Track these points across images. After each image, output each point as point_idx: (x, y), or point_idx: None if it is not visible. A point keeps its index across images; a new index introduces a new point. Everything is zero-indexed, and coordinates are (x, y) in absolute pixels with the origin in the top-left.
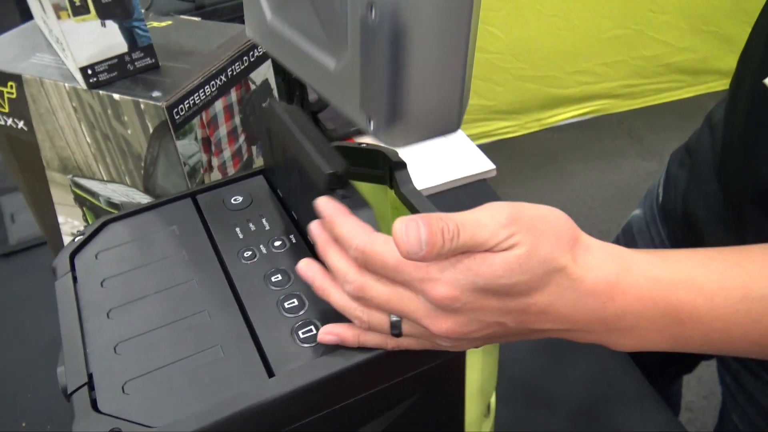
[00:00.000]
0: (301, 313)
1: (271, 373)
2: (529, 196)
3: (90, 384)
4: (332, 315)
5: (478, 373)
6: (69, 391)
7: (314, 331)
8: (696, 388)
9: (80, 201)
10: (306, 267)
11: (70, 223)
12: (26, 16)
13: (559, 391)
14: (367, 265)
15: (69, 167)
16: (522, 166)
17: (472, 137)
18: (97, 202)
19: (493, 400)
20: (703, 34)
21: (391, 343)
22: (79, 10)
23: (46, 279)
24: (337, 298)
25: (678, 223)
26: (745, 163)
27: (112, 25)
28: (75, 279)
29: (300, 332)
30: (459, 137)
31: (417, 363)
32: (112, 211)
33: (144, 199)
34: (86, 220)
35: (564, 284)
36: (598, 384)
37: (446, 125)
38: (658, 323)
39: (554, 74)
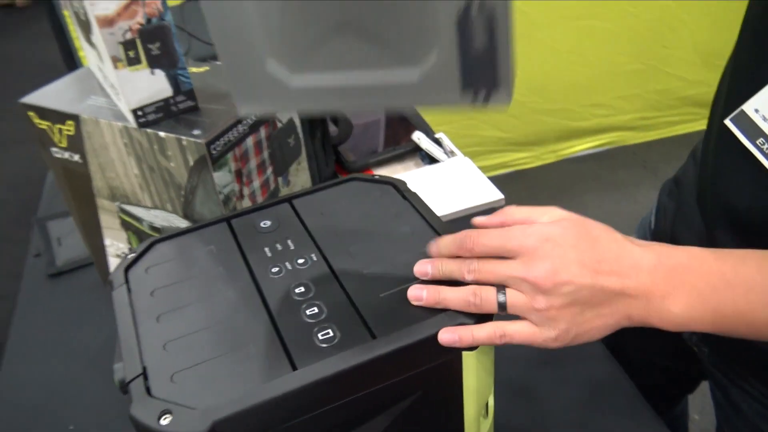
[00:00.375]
0: (320, 318)
1: (294, 367)
2: None
3: (144, 374)
4: (348, 321)
5: (474, 373)
6: (126, 381)
7: (331, 334)
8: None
9: (126, 225)
10: (416, 289)
11: (116, 245)
12: (66, 51)
13: (555, 403)
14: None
15: (117, 195)
16: (538, 197)
17: (489, 168)
18: (141, 227)
19: (491, 402)
20: (716, 68)
21: (498, 333)
22: (133, 61)
23: (90, 297)
24: (452, 295)
25: None
26: (714, 192)
27: (159, 73)
28: (129, 290)
29: (319, 334)
30: (470, 169)
31: (419, 362)
32: (155, 234)
33: (183, 223)
34: (130, 243)
35: (625, 242)
36: (594, 397)
37: (509, 89)
38: (699, 288)
39: (570, 107)
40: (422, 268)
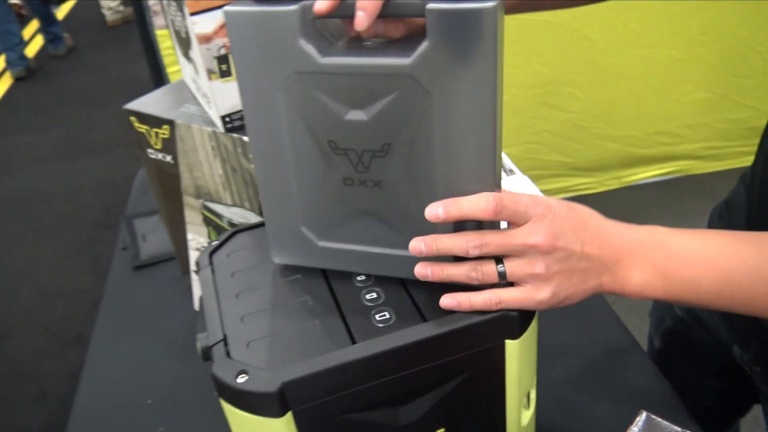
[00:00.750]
0: (378, 303)
1: (353, 342)
2: None
3: (225, 341)
4: (401, 305)
5: (516, 361)
6: (210, 345)
7: (387, 316)
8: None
9: (207, 221)
10: (421, 266)
11: (197, 239)
12: (155, 68)
13: (601, 420)
14: (503, 209)
15: (202, 193)
16: None
17: (551, 192)
18: (220, 223)
19: (533, 394)
20: None
21: (494, 300)
22: (225, 74)
23: (169, 289)
24: (454, 270)
25: None
26: (763, 213)
27: None
28: (213, 271)
29: (377, 316)
30: (528, 187)
31: (464, 346)
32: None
33: (259, 220)
34: (210, 237)
35: (597, 223)
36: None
37: None
38: (653, 258)
39: (635, 134)
40: (416, 245)
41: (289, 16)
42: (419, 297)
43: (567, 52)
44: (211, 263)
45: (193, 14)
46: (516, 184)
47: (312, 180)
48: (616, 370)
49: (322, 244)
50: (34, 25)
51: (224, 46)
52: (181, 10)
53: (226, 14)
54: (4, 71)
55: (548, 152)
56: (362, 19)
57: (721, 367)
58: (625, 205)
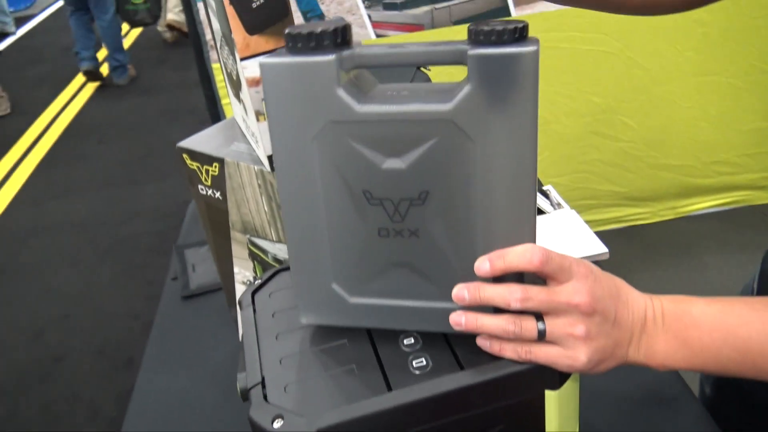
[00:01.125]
0: (416, 348)
1: (390, 388)
2: (660, 285)
3: (263, 383)
4: (439, 351)
5: (556, 414)
6: (248, 387)
7: (424, 363)
8: None
9: (253, 256)
10: (456, 315)
11: (243, 273)
12: (211, 100)
13: None
14: (549, 261)
15: (248, 229)
16: (654, 254)
17: (602, 222)
18: (265, 258)
19: None
20: None
21: (524, 351)
22: None
23: (216, 320)
24: (490, 322)
25: None
26: None
27: None
28: (254, 310)
29: (414, 362)
30: (576, 221)
31: (502, 396)
32: (278, 265)
33: None
34: (255, 272)
35: (627, 291)
36: None
37: None
38: (674, 329)
39: (690, 163)
40: (460, 293)
41: (327, 66)
42: (457, 344)
43: (619, 80)
44: (253, 302)
45: (243, 59)
46: (563, 218)
47: (345, 232)
48: (668, 417)
49: (354, 300)
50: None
51: None
52: (232, 53)
53: (262, 66)
54: (82, 86)
55: (600, 181)
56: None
57: None
58: (680, 236)
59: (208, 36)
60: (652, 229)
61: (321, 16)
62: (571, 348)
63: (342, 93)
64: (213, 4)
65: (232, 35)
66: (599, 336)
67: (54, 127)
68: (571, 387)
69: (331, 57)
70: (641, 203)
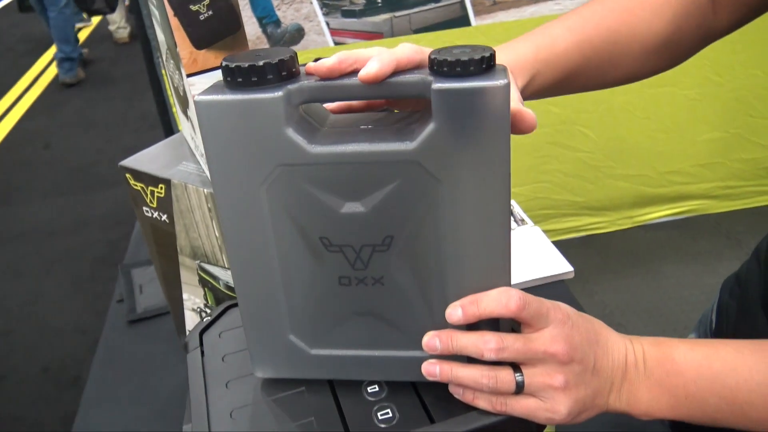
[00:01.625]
0: (380, 397)
1: None
2: (618, 294)
3: None
4: (406, 400)
5: None
6: None
7: (390, 414)
8: None
9: (203, 282)
10: (430, 364)
11: (193, 300)
12: (162, 107)
13: None
14: (526, 306)
15: (198, 254)
16: (612, 263)
17: (561, 231)
18: (217, 285)
19: None
20: None
21: (499, 403)
22: None
23: (166, 345)
24: (466, 374)
25: None
26: None
27: None
28: (202, 353)
29: (379, 414)
30: (540, 239)
31: None
32: (230, 293)
33: None
34: (206, 299)
35: (606, 336)
36: None
37: None
38: (657, 377)
39: (646, 173)
40: (431, 342)
41: (273, 104)
42: (425, 392)
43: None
44: (201, 344)
45: (189, 75)
46: (527, 234)
47: (301, 282)
48: None
49: (314, 352)
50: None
51: None
52: (178, 68)
53: (198, 104)
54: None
55: (559, 191)
56: (370, 67)
57: None
58: (637, 245)
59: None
60: (610, 238)
61: (277, 22)
62: (549, 400)
63: (291, 133)
64: (157, 14)
65: (178, 49)
66: (579, 386)
67: None
68: None
69: (277, 94)
70: (599, 212)
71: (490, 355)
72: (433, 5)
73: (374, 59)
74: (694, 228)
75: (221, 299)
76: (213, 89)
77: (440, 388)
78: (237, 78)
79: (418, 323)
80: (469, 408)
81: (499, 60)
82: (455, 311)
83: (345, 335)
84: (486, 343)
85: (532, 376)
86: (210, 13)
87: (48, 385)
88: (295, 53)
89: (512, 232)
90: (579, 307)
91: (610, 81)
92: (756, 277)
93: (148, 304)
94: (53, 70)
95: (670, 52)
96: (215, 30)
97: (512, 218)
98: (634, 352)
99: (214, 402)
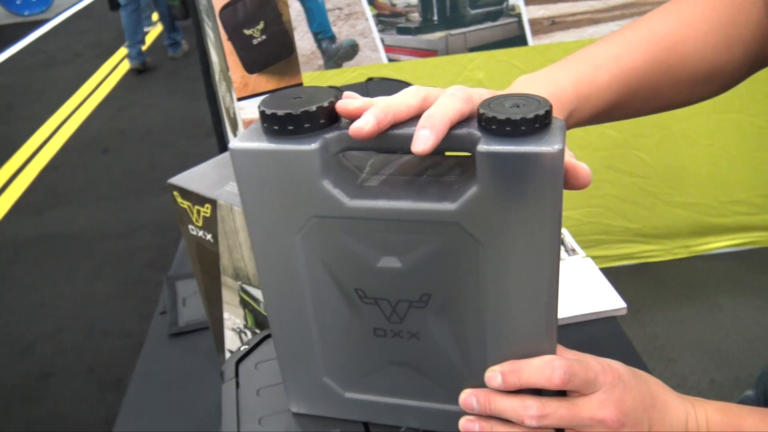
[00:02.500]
0: None
1: None
2: (671, 326)
3: None
4: None
5: None
6: None
7: None
8: None
9: (244, 304)
10: (469, 422)
11: (233, 320)
12: (216, 117)
13: None
14: (572, 378)
15: (240, 275)
16: (665, 294)
17: (613, 258)
18: (257, 307)
19: None
20: None
21: None
22: None
23: (204, 361)
24: None
25: None
26: None
27: None
28: (237, 384)
29: None
30: (591, 270)
31: None
32: None
33: None
34: (246, 320)
35: (665, 399)
36: None
37: None
38: None
39: (707, 202)
40: (468, 400)
41: (309, 155)
42: None
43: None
44: (236, 374)
45: (240, 99)
46: (578, 266)
47: (336, 329)
48: None
49: (349, 395)
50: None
51: None
52: (229, 91)
53: (232, 152)
54: (90, 94)
55: (612, 217)
56: (425, 140)
57: None
58: (693, 275)
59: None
60: (665, 267)
61: (332, 37)
62: None
63: (327, 185)
64: (212, 36)
65: (230, 73)
66: None
67: (59, 134)
68: None
69: (313, 146)
70: (654, 240)
71: (530, 422)
72: (489, 24)
73: (425, 127)
74: (757, 261)
75: (261, 321)
76: (250, 134)
77: None
78: (273, 126)
79: (455, 379)
80: None
81: (537, 91)
82: (495, 377)
83: (380, 382)
84: (526, 409)
85: None
86: (264, 37)
87: (92, 385)
88: (338, 94)
89: (562, 262)
90: (629, 344)
91: (652, 110)
92: None
93: (190, 317)
94: (116, 77)
95: (719, 80)
96: (268, 55)
97: (563, 247)
98: (696, 418)
99: None
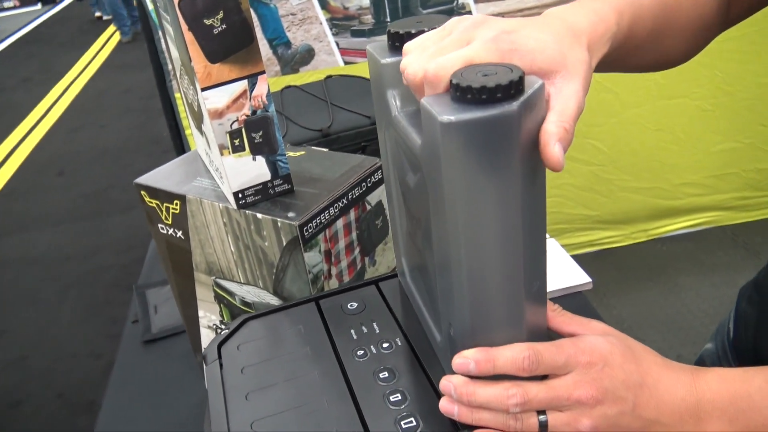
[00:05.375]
0: (403, 406)
1: None
2: (636, 308)
3: None
4: (431, 411)
5: None
6: None
7: (413, 423)
8: None
9: (219, 299)
10: (447, 403)
11: (208, 317)
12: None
13: None
14: (538, 365)
15: (213, 270)
16: (628, 277)
17: (576, 246)
18: (233, 301)
19: None
20: None
21: None
22: (238, 149)
23: (180, 365)
24: (488, 416)
25: (750, 361)
26: None
27: (260, 159)
28: (221, 365)
29: (402, 423)
30: (557, 251)
31: None
32: (246, 309)
33: (272, 300)
34: (222, 315)
35: (658, 376)
36: None
37: None
38: (728, 413)
39: (661, 186)
40: (447, 387)
41: (384, 67)
42: None
43: (590, 105)
44: (219, 356)
45: (204, 89)
46: None
47: (399, 217)
48: None
49: (404, 279)
50: None
51: (237, 120)
52: (193, 83)
53: (447, 125)
54: (41, 119)
55: (572, 206)
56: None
57: None
58: (653, 258)
59: (170, 65)
60: (626, 252)
61: (287, 43)
62: None
63: (390, 94)
64: (171, 30)
65: (192, 64)
66: (611, 428)
67: (11, 159)
68: None
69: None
70: (614, 226)
71: (515, 410)
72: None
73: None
74: (711, 240)
75: (237, 315)
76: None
77: None
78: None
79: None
80: None
81: (575, 17)
82: (466, 364)
83: (414, 280)
84: (510, 398)
85: (557, 419)
86: (224, 27)
87: (63, 410)
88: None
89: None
90: (598, 316)
91: (648, 62)
92: None
93: (163, 323)
94: (67, 99)
95: (703, 33)
96: (229, 44)
97: None
98: (696, 392)
99: (234, 413)
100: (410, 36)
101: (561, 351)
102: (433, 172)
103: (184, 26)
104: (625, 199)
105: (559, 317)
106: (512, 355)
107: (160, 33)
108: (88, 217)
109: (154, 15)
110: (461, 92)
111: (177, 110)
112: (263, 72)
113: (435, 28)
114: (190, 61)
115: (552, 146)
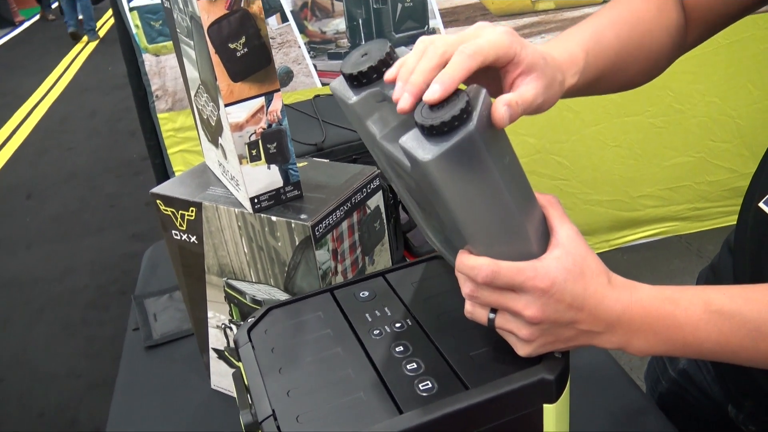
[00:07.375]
0: (420, 372)
1: (400, 411)
2: None
3: (274, 416)
4: (446, 375)
5: (554, 425)
6: (259, 421)
7: (430, 385)
8: None
9: (229, 299)
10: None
11: (218, 317)
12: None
13: None
14: (494, 279)
15: (225, 272)
16: None
17: None
18: (243, 300)
19: None
20: None
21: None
22: (254, 158)
23: (183, 367)
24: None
25: None
26: (754, 279)
27: (274, 168)
28: (253, 347)
29: (420, 385)
30: None
31: (507, 411)
32: (256, 307)
33: (283, 296)
34: (231, 315)
35: (601, 297)
36: None
37: None
38: (654, 328)
39: (620, 198)
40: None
41: (354, 106)
42: (459, 366)
43: (553, 123)
44: (250, 339)
45: (227, 105)
46: None
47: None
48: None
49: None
50: None
51: (254, 133)
52: (214, 100)
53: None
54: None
55: None
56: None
57: (718, 427)
58: (615, 267)
59: (155, 87)
60: None
61: None
62: (516, 342)
63: (370, 124)
64: (192, 54)
65: (217, 82)
66: (546, 336)
67: None
68: (564, 400)
69: (354, 99)
70: None
71: (465, 296)
72: (413, 46)
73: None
74: (668, 249)
75: (246, 313)
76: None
77: (470, 362)
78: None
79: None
80: (497, 377)
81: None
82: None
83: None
84: (463, 286)
85: (502, 321)
86: (245, 50)
87: (45, 428)
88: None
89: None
90: None
91: (617, 86)
92: (727, 265)
93: (163, 330)
94: (31, 123)
95: (662, 60)
96: (249, 65)
97: None
98: (631, 310)
99: (271, 385)
100: (363, 75)
101: (522, 273)
102: (429, 189)
103: (212, 49)
104: (587, 212)
105: (549, 208)
106: (472, 267)
107: (146, 55)
108: (59, 240)
109: (138, 40)
110: (427, 131)
111: (159, 131)
112: (279, 90)
113: (381, 57)
114: (216, 80)
115: (499, 107)
